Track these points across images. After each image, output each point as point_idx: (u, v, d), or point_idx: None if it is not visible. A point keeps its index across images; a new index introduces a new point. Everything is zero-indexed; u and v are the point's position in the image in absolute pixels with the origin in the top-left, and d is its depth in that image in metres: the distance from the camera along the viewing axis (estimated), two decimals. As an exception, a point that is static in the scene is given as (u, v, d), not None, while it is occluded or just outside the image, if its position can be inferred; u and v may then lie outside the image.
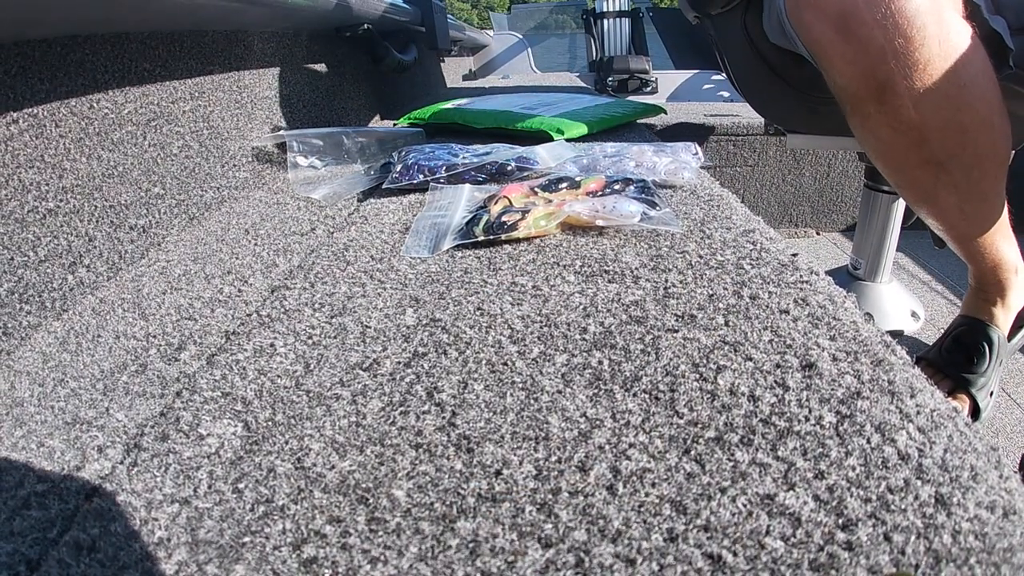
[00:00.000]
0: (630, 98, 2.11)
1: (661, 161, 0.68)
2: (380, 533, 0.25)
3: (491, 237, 0.52)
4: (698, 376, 0.33)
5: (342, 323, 0.41)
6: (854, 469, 0.26)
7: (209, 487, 0.28)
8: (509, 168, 0.68)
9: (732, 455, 0.27)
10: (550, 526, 0.24)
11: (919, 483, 0.25)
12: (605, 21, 3.52)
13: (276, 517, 0.26)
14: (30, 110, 0.48)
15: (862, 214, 1.07)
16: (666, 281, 0.43)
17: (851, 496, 0.25)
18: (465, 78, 3.11)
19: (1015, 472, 0.26)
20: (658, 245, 0.50)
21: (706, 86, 3.15)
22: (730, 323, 0.38)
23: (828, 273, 0.44)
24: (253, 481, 0.28)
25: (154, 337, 0.44)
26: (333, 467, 0.28)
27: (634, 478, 0.26)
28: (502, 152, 0.72)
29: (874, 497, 0.24)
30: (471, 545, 0.24)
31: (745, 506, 0.24)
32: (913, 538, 0.23)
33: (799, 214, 1.69)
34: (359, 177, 0.79)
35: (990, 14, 0.62)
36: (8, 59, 0.46)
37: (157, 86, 0.64)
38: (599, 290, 0.43)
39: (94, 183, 0.54)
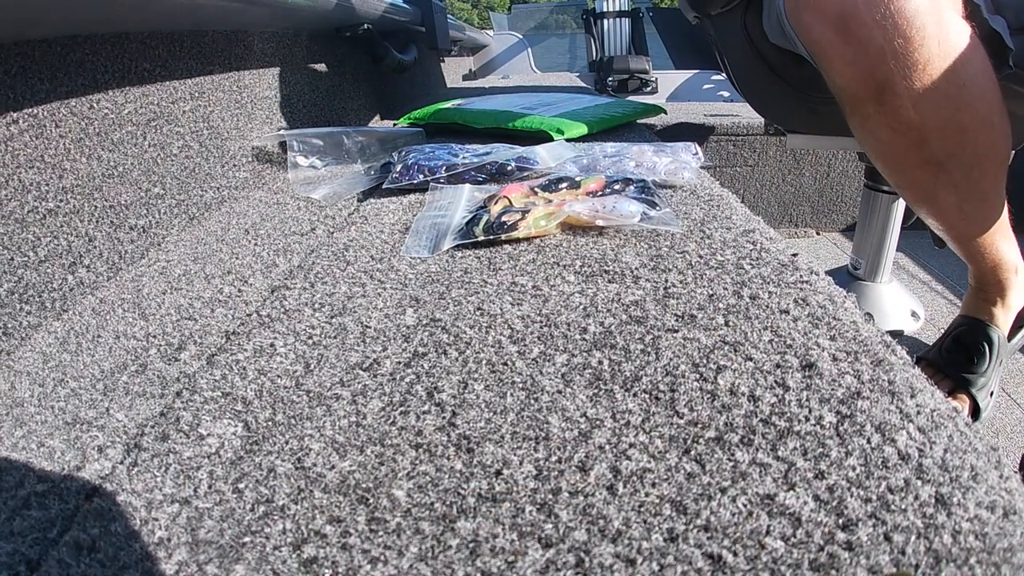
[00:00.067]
0: (630, 98, 2.11)
1: (661, 161, 0.68)
2: (380, 533, 0.25)
3: (491, 237, 0.52)
4: (698, 376, 0.33)
5: (342, 323, 0.41)
6: (854, 469, 0.26)
7: (209, 487, 0.28)
8: (509, 168, 0.68)
9: (732, 455, 0.27)
10: (550, 526, 0.24)
11: (919, 483, 0.25)
12: (605, 21, 3.52)
13: (276, 517, 0.26)
14: (30, 110, 0.48)
15: (862, 214, 1.07)
16: (666, 281, 0.43)
17: (851, 496, 0.25)
18: (465, 78, 3.11)
19: (1015, 472, 0.26)
20: (658, 245, 0.50)
21: (706, 86, 3.15)
22: (730, 323, 0.38)
23: (828, 273, 0.44)
24: (253, 481, 0.28)
25: (154, 337, 0.44)
26: (333, 467, 0.28)
27: (634, 478, 0.26)
28: (502, 152, 0.72)
29: (874, 497, 0.24)
30: (471, 545, 0.24)
31: (745, 506, 0.24)
32: (913, 538, 0.23)
33: (799, 214, 1.69)
34: (359, 177, 0.79)
35: (990, 14, 0.62)
36: (8, 59, 0.46)
37: (157, 86, 0.64)
38: (599, 290, 0.43)
39: (94, 183, 0.54)
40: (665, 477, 0.26)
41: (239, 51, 0.81)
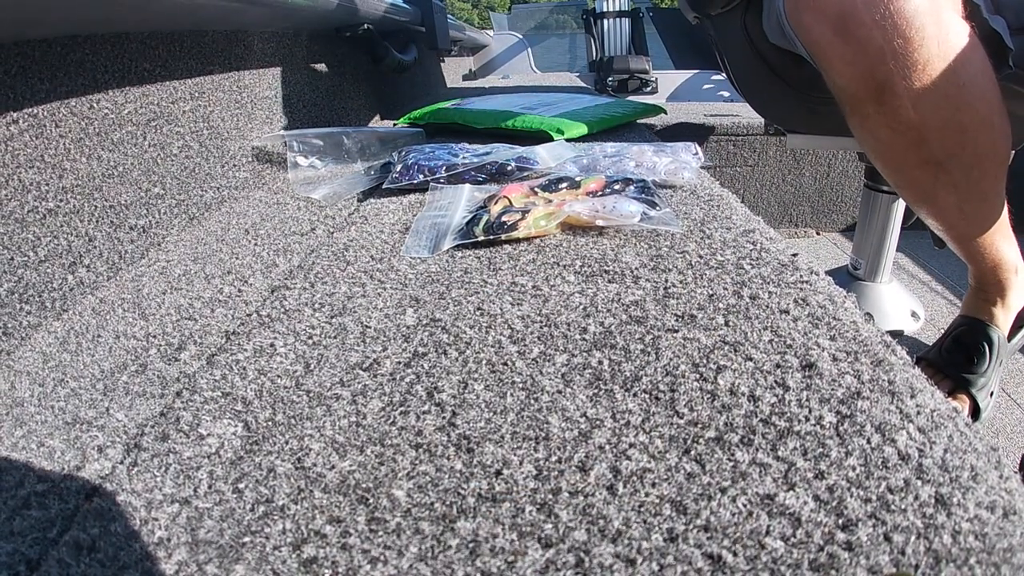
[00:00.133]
0: (630, 98, 2.11)
1: (661, 161, 0.68)
2: (380, 533, 0.25)
3: (491, 237, 0.52)
4: (698, 376, 0.33)
5: (342, 323, 0.41)
6: (854, 469, 0.26)
7: (209, 487, 0.28)
8: (509, 168, 0.68)
9: (732, 455, 0.27)
10: (550, 526, 0.24)
11: (919, 483, 0.25)
12: (605, 21, 3.53)
13: (276, 517, 0.26)
14: (30, 110, 0.48)
15: (862, 214, 1.07)
16: (666, 281, 0.43)
17: (851, 496, 0.25)
18: (465, 78, 3.11)
19: (1015, 472, 0.26)
20: (658, 245, 0.50)
21: (706, 86, 3.15)
22: (730, 323, 0.38)
23: (828, 273, 0.44)
24: (253, 481, 0.28)
25: (154, 337, 0.44)
26: (333, 467, 0.28)
27: (634, 478, 0.26)
28: (502, 152, 0.72)
29: (874, 497, 0.24)
30: (471, 545, 0.24)
31: (745, 506, 0.24)
32: (913, 538, 0.23)
33: (799, 214, 1.69)
34: (359, 177, 0.79)
35: (989, 14, 0.62)
36: (8, 59, 0.46)
37: (157, 86, 0.64)
38: (599, 290, 0.43)
39: (94, 183, 0.54)
40: (665, 477, 0.26)
41: (239, 51, 0.81)
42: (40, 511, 0.28)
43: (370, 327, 0.40)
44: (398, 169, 0.71)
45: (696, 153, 0.72)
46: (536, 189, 0.61)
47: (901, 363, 0.33)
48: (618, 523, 0.24)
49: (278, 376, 0.36)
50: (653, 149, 0.72)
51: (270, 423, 0.32)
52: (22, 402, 0.37)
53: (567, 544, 0.24)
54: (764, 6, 0.75)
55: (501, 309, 0.41)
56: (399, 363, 0.36)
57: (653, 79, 3.03)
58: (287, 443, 0.30)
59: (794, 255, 0.46)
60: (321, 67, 1.11)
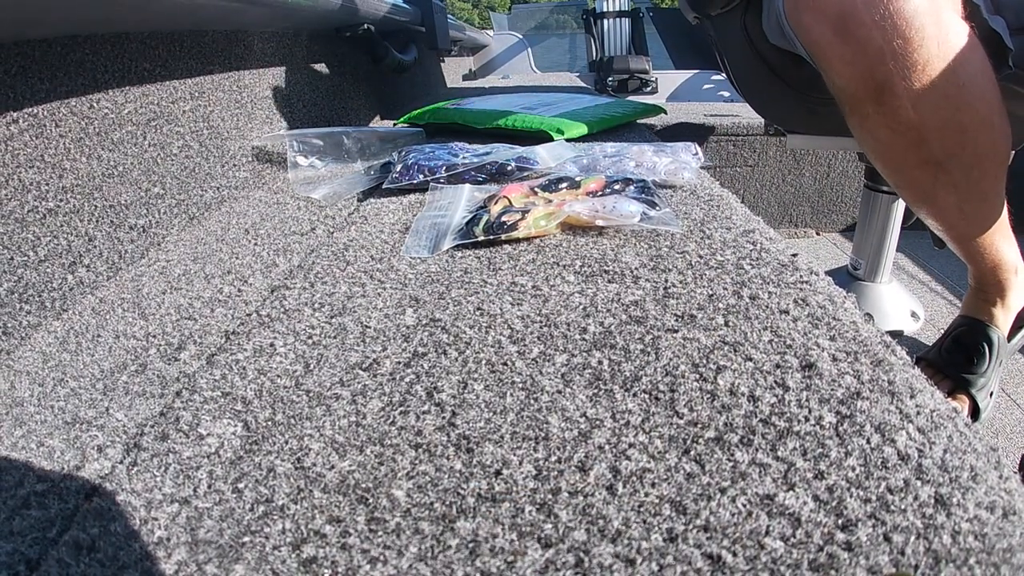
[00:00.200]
0: (630, 98, 2.11)
1: (661, 161, 0.68)
2: (380, 533, 0.25)
3: (491, 237, 0.52)
4: (698, 376, 0.33)
5: (342, 323, 0.41)
6: (854, 469, 0.26)
7: (209, 487, 0.28)
8: (509, 168, 0.68)
9: (732, 455, 0.27)
10: (550, 526, 0.24)
11: (919, 483, 0.25)
12: (605, 21, 3.53)
13: (276, 517, 0.26)
14: (30, 110, 0.48)
15: (862, 214, 1.07)
16: (666, 281, 0.43)
17: (851, 496, 0.25)
18: (465, 78, 3.11)
19: (1015, 473, 0.26)
20: (658, 245, 0.50)
21: (706, 86, 3.15)
22: (730, 323, 0.38)
23: (828, 273, 0.44)
24: (253, 481, 0.28)
25: (154, 337, 0.44)
26: (333, 467, 0.28)
27: (634, 478, 0.26)
28: (502, 152, 0.72)
29: (874, 497, 0.24)
30: (471, 545, 0.24)
31: (745, 506, 0.24)
32: (913, 538, 0.23)
33: (799, 214, 1.69)
34: (359, 177, 0.79)
35: (989, 14, 0.62)
36: (8, 59, 0.46)
37: (157, 86, 0.64)
38: (599, 290, 0.43)
39: (94, 183, 0.54)
40: (665, 477, 0.26)
41: (239, 51, 0.81)
42: (40, 511, 0.28)
43: (370, 327, 0.40)
44: (398, 169, 0.71)
45: (696, 153, 0.72)
46: (536, 189, 0.61)
47: (901, 363, 0.33)
48: (618, 523, 0.24)
49: (278, 376, 0.36)
50: (653, 149, 0.72)
51: (270, 423, 0.32)
52: (22, 402, 0.37)
53: (567, 544, 0.24)
54: (764, 6, 0.75)
55: (501, 309, 0.41)
56: (399, 363, 0.36)
57: (653, 79, 3.03)
58: (287, 443, 0.30)
59: (794, 255, 0.46)
60: (321, 67, 1.11)
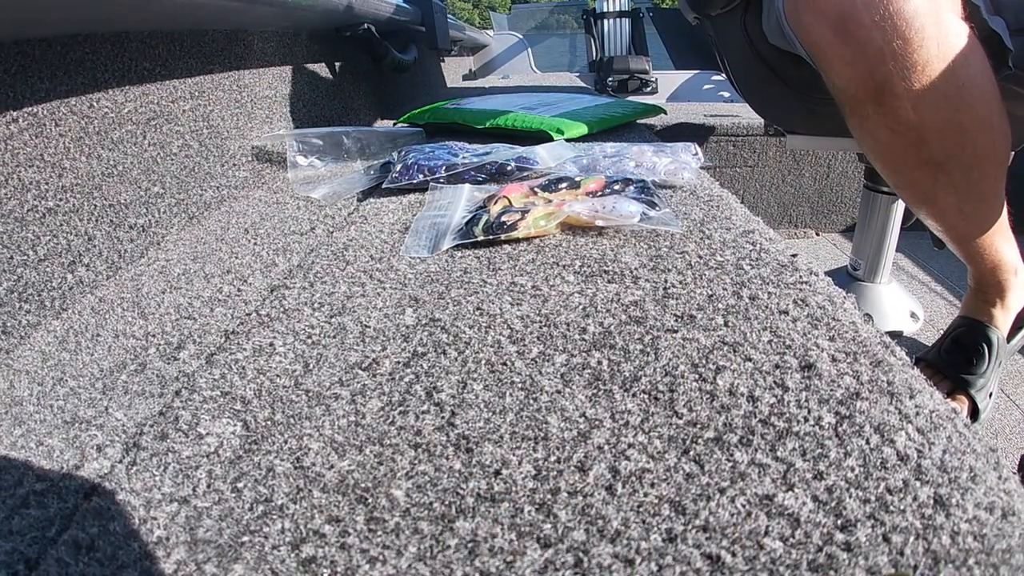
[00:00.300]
0: (630, 98, 2.11)
1: (661, 161, 0.68)
2: (379, 533, 0.25)
3: (491, 237, 0.52)
4: (697, 376, 0.33)
5: (341, 323, 0.41)
6: (853, 470, 0.26)
7: (208, 486, 0.28)
8: (509, 168, 0.68)
9: (731, 455, 0.27)
10: (549, 526, 0.24)
11: (918, 484, 0.25)
12: (605, 21, 3.53)
13: (275, 516, 0.26)
14: (30, 109, 0.48)
15: (861, 215, 1.07)
16: (665, 281, 0.43)
17: (850, 497, 0.25)
18: (465, 78, 3.11)
19: (1014, 473, 0.26)
20: (658, 245, 0.50)
21: (706, 86, 3.15)
22: (729, 323, 0.38)
23: (827, 274, 0.44)
24: (252, 480, 0.28)
25: (153, 336, 0.44)
26: (332, 467, 0.28)
27: (633, 478, 0.26)
28: (502, 152, 0.72)
29: (873, 498, 0.24)
30: (470, 545, 0.24)
31: (744, 507, 0.24)
32: (912, 539, 0.23)
33: (799, 215, 1.69)
34: (359, 177, 0.79)
35: (989, 15, 0.62)
36: (8, 58, 0.46)
37: (157, 85, 0.64)
38: (598, 290, 0.43)
39: (94, 182, 0.54)
40: (664, 477, 0.26)
41: (239, 50, 0.81)
42: (39, 510, 0.28)
43: (369, 327, 0.40)
44: (398, 169, 0.71)
45: (696, 153, 0.72)
46: (536, 189, 0.61)
47: (900, 364, 0.33)
48: (617, 523, 0.24)
49: (277, 375, 0.36)
50: (653, 149, 0.72)
51: (269, 422, 0.32)
52: (21, 401, 0.37)
53: (566, 544, 0.24)
54: (764, 7, 0.75)
55: (500, 309, 0.41)
56: (398, 363, 0.36)
57: (653, 79, 3.03)
58: (286, 442, 0.30)
59: (793, 256, 0.47)
60: (321, 67, 1.11)
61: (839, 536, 0.23)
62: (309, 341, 0.39)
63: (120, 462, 0.30)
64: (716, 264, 0.46)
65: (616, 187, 0.60)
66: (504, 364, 0.35)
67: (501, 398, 0.32)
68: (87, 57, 0.55)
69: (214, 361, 0.38)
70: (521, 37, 3.66)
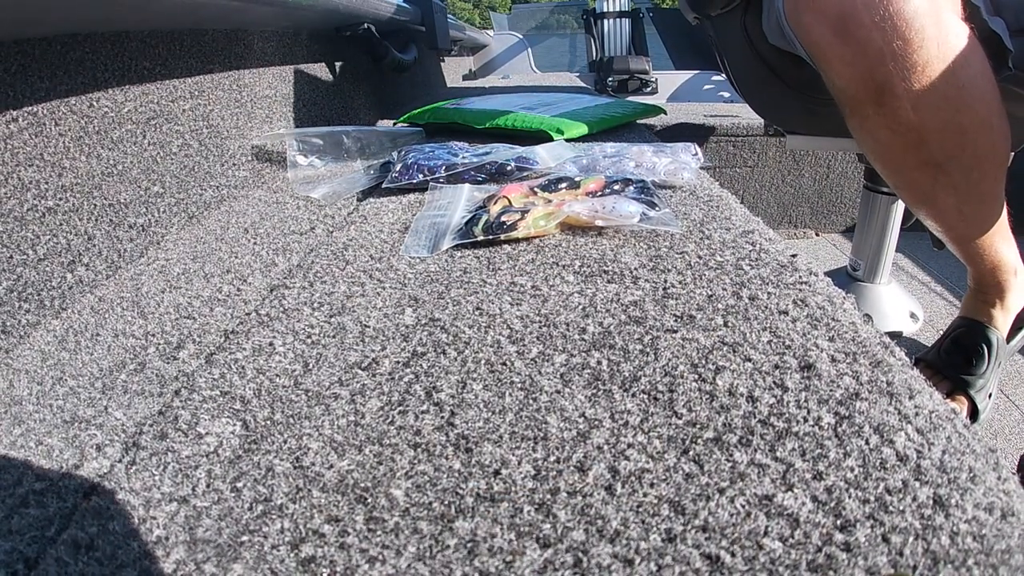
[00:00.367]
0: (630, 98, 2.11)
1: (661, 161, 0.68)
2: (378, 532, 0.25)
3: (490, 237, 0.52)
4: (697, 377, 0.33)
5: (341, 322, 0.41)
6: (852, 470, 0.26)
7: (207, 486, 0.28)
8: (509, 168, 0.68)
9: (731, 456, 0.27)
10: (548, 526, 0.24)
11: (917, 484, 0.25)
12: (605, 21, 3.53)
13: (274, 516, 0.26)
14: (30, 108, 0.48)
15: (861, 215, 1.07)
16: (665, 281, 0.43)
17: (849, 497, 0.25)
18: (465, 78, 3.11)
19: (1013, 474, 0.26)
20: (657, 245, 0.50)
21: (706, 87, 3.15)
22: (729, 324, 0.38)
23: (827, 274, 0.44)
24: (251, 480, 0.28)
25: (153, 336, 0.44)
26: (332, 466, 0.28)
27: (632, 478, 0.26)
28: (502, 152, 0.72)
29: (872, 498, 0.24)
30: (469, 545, 0.24)
31: (743, 507, 0.24)
32: (911, 539, 0.23)
33: (798, 215, 1.69)
34: (359, 176, 0.79)
35: (989, 15, 0.62)
36: (8, 57, 0.46)
37: (157, 85, 0.64)
38: (598, 290, 0.43)
39: (93, 181, 0.54)
40: (663, 477, 0.26)
41: (239, 50, 0.81)
42: (38, 509, 0.28)
43: (369, 326, 0.40)
44: (398, 168, 0.71)
45: (696, 154, 0.72)
46: (535, 189, 0.61)
47: (900, 364, 0.33)
48: (616, 523, 0.24)
49: (277, 375, 0.36)
50: (653, 149, 0.72)
51: (269, 422, 0.32)
52: (21, 400, 0.37)
53: (565, 544, 0.24)
54: (764, 7, 0.75)
55: (500, 309, 0.41)
56: (398, 363, 0.36)
57: (653, 79, 3.03)
58: (285, 442, 0.30)
59: (793, 256, 0.47)
60: (321, 66, 1.11)
61: (838, 536, 0.23)
62: (309, 341, 0.39)
63: (119, 461, 0.30)
64: (716, 264, 0.46)
65: (616, 187, 0.60)
66: (504, 364, 0.35)
67: (501, 398, 0.32)
68: (87, 56, 0.55)
69: (214, 361, 0.38)
70: (521, 37, 3.66)
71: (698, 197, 0.62)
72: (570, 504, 0.25)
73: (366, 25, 1.20)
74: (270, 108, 0.88)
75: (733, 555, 0.23)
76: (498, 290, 0.44)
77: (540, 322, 0.39)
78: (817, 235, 1.70)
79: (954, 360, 0.77)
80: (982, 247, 0.70)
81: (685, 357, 0.35)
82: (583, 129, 0.92)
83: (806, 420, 0.29)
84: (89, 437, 0.33)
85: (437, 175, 0.68)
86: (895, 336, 1.03)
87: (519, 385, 0.33)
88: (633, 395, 0.32)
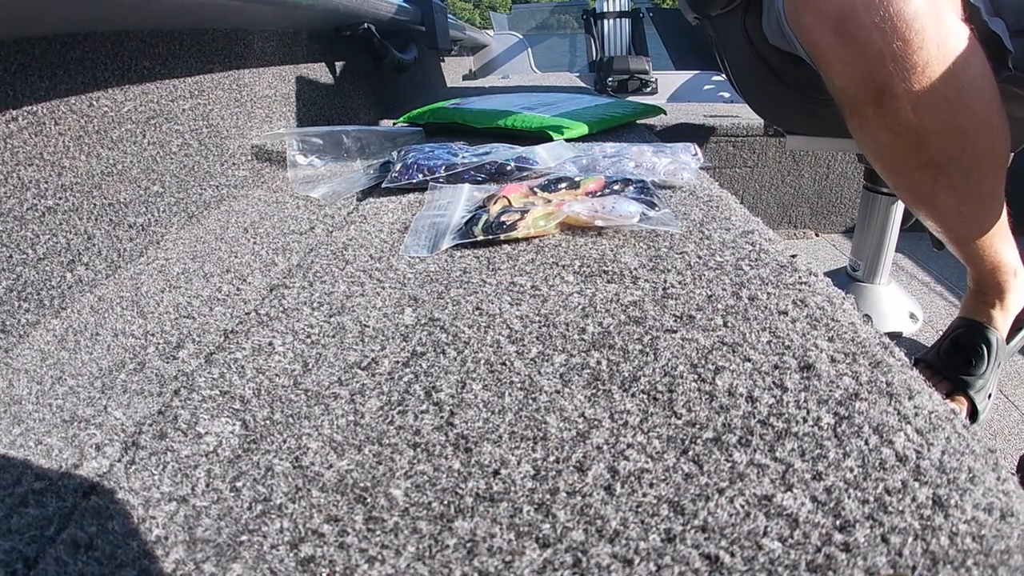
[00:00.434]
0: (630, 98, 2.11)
1: (660, 162, 0.68)
2: (378, 532, 0.25)
3: (490, 237, 0.52)
4: (696, 377, 0.33)
5: (341, 322, 0.41)
6: (852, 470, 0.26)
7: (207, 485, 0.28)
8: (508, 168, 0.68)
9: (730, 456, 0.27)
10: (548, 526, 0.24)
11: (917, 485, 0.25)
12: (605, 21, 3.53)
13: (274, 516, 0.26)
14: (29, 108, 0.48)
15: (861, 216, 1.07)
16: (665, 282, 0.43)
17: (849, 497, 0.25)
18: (465, 78, 3.11)
19: (1012, 474, 0.26)
20: (657, 246, 0.50)
21: (706, 87, 3.15)
22: (729, 324, 0.38)
23: (827, 274, 0.44)
24: (251, 480, 0.28)
25: (152, 335, 0.44)
26: (331, 466, 0.28)
27: (632, 478, 0.26)
28: (501, 152, 0.72)
29: (872, 498, 0.24)
30: (469, 545, 0.24)
31: (743, 507, 0.24)
32: (910, 540, 0.23)
33: (798, 215, 1.69)
34: (358, 176, 0.79)
35: (989, 16, 0.62)
36: (8, 57, 0.46)
37: (157, 84, 0.64)
38: (598, 290, 0.43)
39: (93, 181, 0.54)
40: (663, 477, 0.26)
41: (239, 50, 0.81)
42: (38, 509, 0.28)
43: (369, 326, 0.40)
44: (397, 168, 0.71)
45: (695, 154, 0.72)
46: (535, 189, 0.61)
47: (899, 365, 0.33)
48: (616, 523, 0.24)
49: (276, 375, 0.36)
50: (652, 150, 0.72)
51: (268, 422, 0.32)
52: (20, 400, 0.37)
53: (565, 544, 0.24)
54: (764, 7, 0.75)
55: (500, 309, 0.41)
56: (397, 362, 0.36)
57: (653, 79, 3.03)
58: (285, 442, 0.30)
59: (793, 256, 0.47)
60: (321, 66, 1.11)
61: (838, 537, 0.23)
62: (308, 340, 0.39)
63: (119, 461, 0.30)
64: (715, 264, 0.46)
65: (616, 187, 0.60)
66: (503, 364, 0.35)
67: (500, 398, 0.32)
68: (87, 56, 0.55)
69: (213, 360, 0.38)
70: (521, 37, 3.65)
71: (698, 197, 0.62)
72: (569, 504, 0.25)
73: (366, 25, 1.20)
74: (270, 108, 0.88)
75: (732, 555, 0.23)
76: (498, 290, 0.44)
77: (540, 322, 0.39)
78: (817, 235, 1.70)
79: (954, 361, 0.77)
80: (982, 248, 0.70)
81: (685, 357, 0.35)
82: (583, 129, 0.92)
83: (805, 420, 0.29)
84: (88, 436, 0.33)
85: (437, 175, 0.68)
86: (895, 336, 1.03)
87: (519, 385, 0.33)
88: (633, 395, 0.32)
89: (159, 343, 0.43)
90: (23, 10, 0.44)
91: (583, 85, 2.71)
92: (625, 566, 0.22)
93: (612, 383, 0.33)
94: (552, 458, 0.28)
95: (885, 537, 0.23)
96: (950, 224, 0.69)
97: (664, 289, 0.42)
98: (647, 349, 0.36)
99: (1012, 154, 0.68)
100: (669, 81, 3.14)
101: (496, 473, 0.27)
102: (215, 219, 0.67)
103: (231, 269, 0.54)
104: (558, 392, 0.32)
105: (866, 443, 0.27)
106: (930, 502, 0.24)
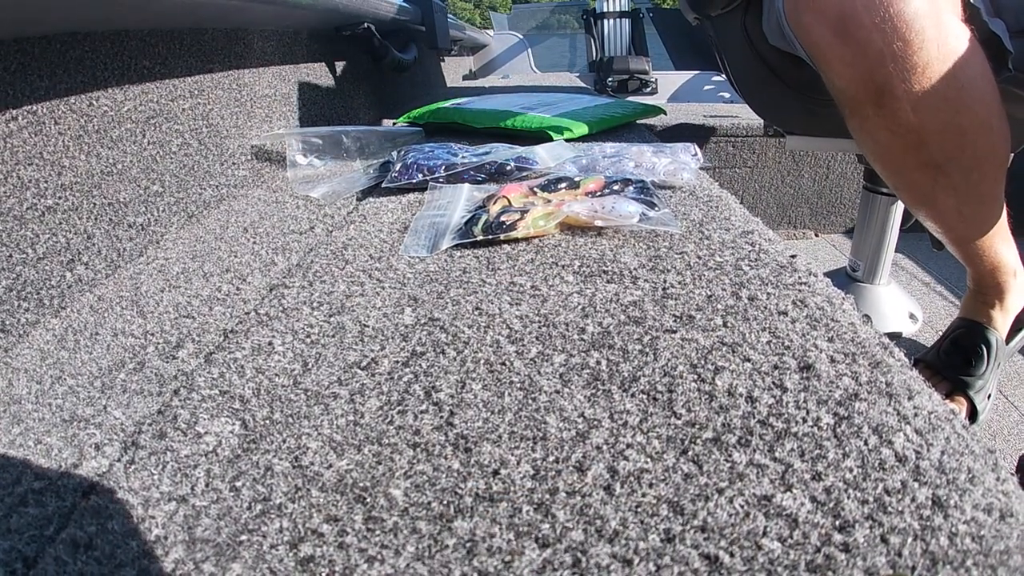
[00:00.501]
0: (630, 99, 2.11)
1: (660, 162, 0.68)
2: (377, 532, 0.25)
3: (490, 237, 0.52)
4: (696, 377, 0.33)
5: (340, 322, 0.41)
6: (851, 471, 0.26)
7: (206, 485, 0.28)
8: (508, 168, 0.68)
9: (730, 456, 0.27)
10: (547, 526, 0.24)
11: (916, 485, 0.25)
12: (605, 21, 3.53)
13: (273, 516, 0.26)
14: (29, 107, 0.48)
15: (861, 216, 1.07)
16: (664, 282, 0.43)
17: (848, 498, 0.25)
18: (465, 78, 3.11)
19: (1012, 475, 0.26)
20: (657, 246, 0.50)
21: (706, 87, 3.15)
22: (728, 324, 0.38)
23: (826, 275, 0.44)
24: (250, 479, 0.28)
25: (152, 335, 0.44)
26: (331, 466, 0.28)
27: (631, 478, 0.26)
28: (501, 152, 0.72)
29: (871, 499, 0.24)
30: (468, 545, 0.24)
31: (742, 507, 0.24)
32: (910, 540, 0.23)
33: (798, 215, 1.69)
34: (358, 176, 0.79)
35: (989, 17, 0.62)
36: (8, 56, 0.46)
37: (157, 84, 0.64)
38: (597, 290, 0.43)
39: (93, 180, 0.54)
40: (662, 477, 0.26)
41: (239, 49, 0.81)
42: (37, 508, 0.28)
43: (368, 326, 0.40)
44: (397, 168, 0.71)
45: (695, 154, 0.72)
46: (535, 189, 0.61)
47: (899, 365, 0.33)
48: (615, 523, 0.24)
49: (276, 375, 0.36)
50: (652, 150, 0.72)
51: (268, 422, 0.32)
52: (20, 399, 0.37)
53: (564, 544, 0.24)
54: (764, 7, 0.75)
55: (499, 309, 0.41)
56: (397, 362, 0.36)
57: (653, 80, 3.03)
58: (285, 442, 0.30)
59: (793, 256, 0.47)
60: (321, 66, 1.11)
61: (837, 537, 0.23)
62: (308, 340, 0.39)
63: (118, 461, 0.30)
64: (715, 264, 0.46)
65: (615, 187, 0.60)
66: (503, 364, 0.35)
67: (500, 398, 0.32)
68: (87, 55, 0.55)
69: (213, 360, 0.38)
70: (521, 37, 3.65)
71: (698, 197, 0.62)
72: (569, 504, 0.25)
73: (366, 25, 1.20)
74: (270, 108, 0.88)
75: (732, 555, 0.23)
76: (497, 290, 0.44)
77: (539, 322, 0.39)
78: (816, 236, 1.70)
79: (953, 361, 0.77)
80: (982, 248, 0.70)
81: (684, 357, 0.35)
82: (583, 129, 0.92)
83: (805, 420, 0.29)
84: (88, 436, 0.33)
85: (437, 175, 0.68)
86: (894, 337, 1.03)
87: (518, 385, 0.33)
88: (632, 395, 0.32)
89: (159, 343, 0.43)
90: (23, 10, 0.44)
91: (583, 85, 2.71)
92: (625, 566, 0.22)
93: (612, 383, 0.33)
94: (552, 458, 0.28)
95: (884, 537, 0.23)
96: (950, 224, 0.69)
97: (664, 289, 0.42)
98: (647, 349, 0.36)
99: (1012, 154, 0.68)
100: (669, 81, 3.14)
101: (496, 473, 0.27)
102: (215, 219, 0.67)
103: (231, 269, 0.54)
104: (558, 392, 0.32)
105: (866, 443, 0.27)
106: (929, 502, 0.24)
